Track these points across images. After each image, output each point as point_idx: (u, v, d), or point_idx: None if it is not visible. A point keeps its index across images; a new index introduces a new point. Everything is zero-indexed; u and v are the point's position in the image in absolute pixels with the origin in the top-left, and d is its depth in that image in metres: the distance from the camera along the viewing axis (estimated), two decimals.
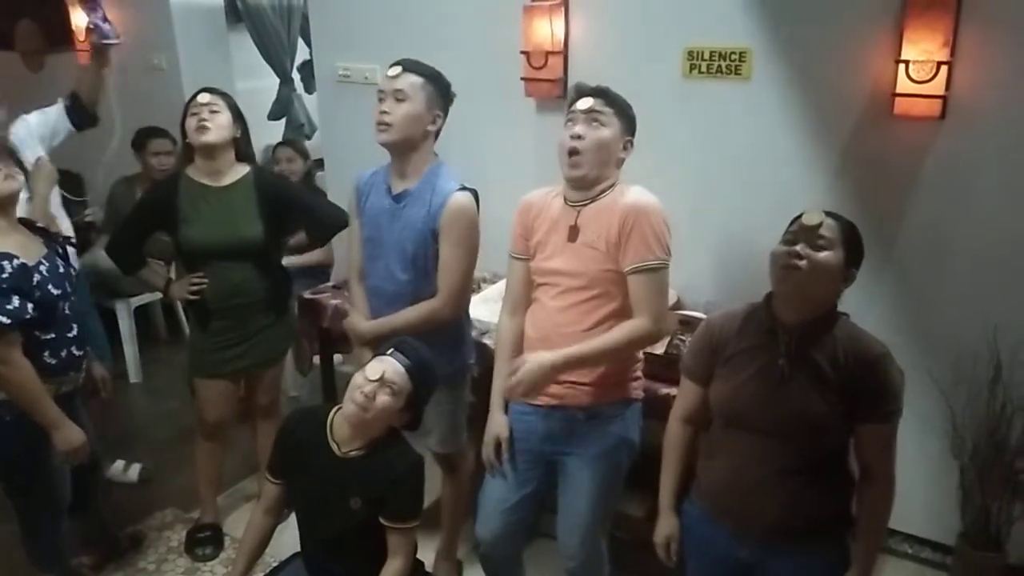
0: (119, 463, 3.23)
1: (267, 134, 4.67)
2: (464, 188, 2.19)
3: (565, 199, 2.01)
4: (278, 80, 5.09)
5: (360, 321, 2.33)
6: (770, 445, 1.67)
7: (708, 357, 1.78)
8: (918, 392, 2.26)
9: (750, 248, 2.55)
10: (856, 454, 1.69)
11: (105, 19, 2.58)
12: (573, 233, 1.97)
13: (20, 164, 2.57)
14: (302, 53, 5.14)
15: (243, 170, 2.54)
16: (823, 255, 1.60)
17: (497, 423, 2.10)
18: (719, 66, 2.49)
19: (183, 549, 2.81)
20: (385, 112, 2.13)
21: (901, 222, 2.39)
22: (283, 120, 5.15)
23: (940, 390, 2.37)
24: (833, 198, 2.37)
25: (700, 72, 2.53)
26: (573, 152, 1.93)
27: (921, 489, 2.51)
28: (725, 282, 2.58)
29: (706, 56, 2.50)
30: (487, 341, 2.56)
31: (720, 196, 2.62)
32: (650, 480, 1.96)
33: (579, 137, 1.92)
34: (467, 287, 2.31)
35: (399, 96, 2.12)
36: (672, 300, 2.51)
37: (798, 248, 1.60)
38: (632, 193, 1.96)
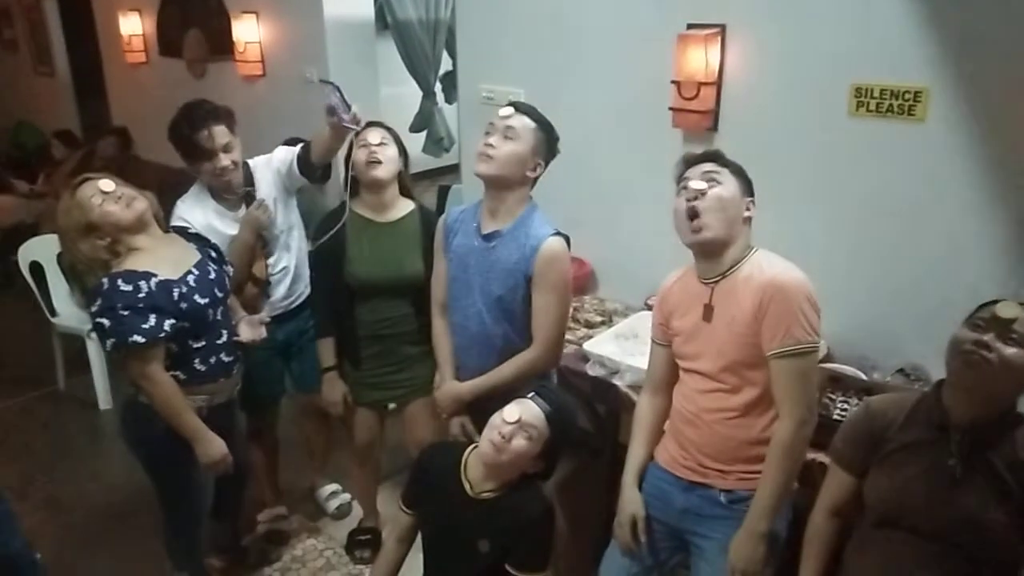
0: (331, 487, 3.22)
1: (408, 145, 4.74)
2: (558, 233, 2.13)
3: (698, 276, 1.88)
4: (420, 89, 5.17)
5: (454, 384, 2.27)
6: (933, 551, 1.52)
7: (866, 446, 1.63)
8: None
9: (912, 304, 2.35)
10: None
11: (346, 105, 2.40)
12: (708, 312, 1.84)
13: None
14: (444, 64, 5.22)
15: (408, 206, 2.55)
16: (1013, 352, 1.43)
17: (632, 501, 1.97)
18: (890, 105, 2.30)
19: (344, 549, 2.91)
20: (490, 145, 2.08)
21: None
22: (424, 132, 5.25)
23: None
24: (1013, 256, 2.15)
25: (868, 111, 2.35)
26: (693, 214, 1.78)
27: None
28: (882, 338, 2.39)
29: (876, 94, 2.32)
30: (616, 382, 2.47)
31: (883, 244, 2.41)
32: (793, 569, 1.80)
33: (698, 194, 1.78)
34: (563, 335, 2.25)
35: (509, 134, 2.08)
36: (822, 352, 2.36)
37: (987, 339, 1.44)
38: (773, 266, 1.78)
